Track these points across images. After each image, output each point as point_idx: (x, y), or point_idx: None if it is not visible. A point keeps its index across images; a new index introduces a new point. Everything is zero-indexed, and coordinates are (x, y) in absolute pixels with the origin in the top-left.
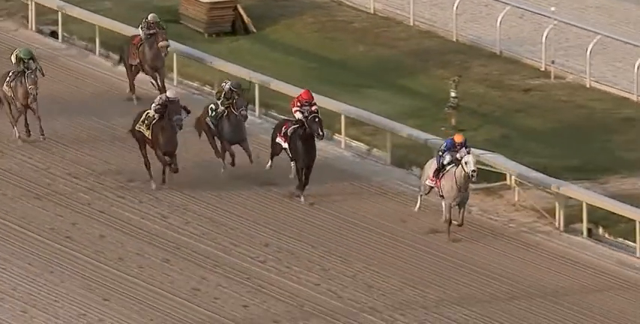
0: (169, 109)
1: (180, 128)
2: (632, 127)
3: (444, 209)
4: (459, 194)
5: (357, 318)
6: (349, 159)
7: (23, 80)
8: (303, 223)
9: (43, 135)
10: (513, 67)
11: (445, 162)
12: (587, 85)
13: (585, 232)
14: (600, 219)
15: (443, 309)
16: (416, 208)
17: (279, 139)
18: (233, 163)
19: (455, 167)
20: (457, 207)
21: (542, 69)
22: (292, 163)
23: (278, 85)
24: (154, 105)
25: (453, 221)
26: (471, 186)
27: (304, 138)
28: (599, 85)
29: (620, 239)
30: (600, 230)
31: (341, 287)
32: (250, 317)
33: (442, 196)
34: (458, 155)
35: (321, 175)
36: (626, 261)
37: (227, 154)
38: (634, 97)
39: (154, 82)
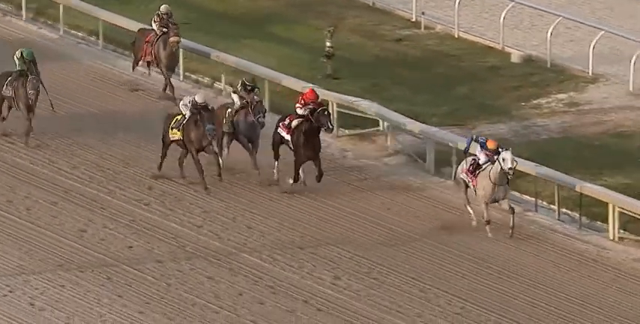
0: (203, 116)
1: (213, 138)
2: (498, 76)
3: (483, 209)
4: (494, 191)
5: (237, 258)
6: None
7: (25, 83)
8: (185, 167)
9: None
10: (386, 18)
11: (481, 162)
12: (456, 36)
13: (454, 175)
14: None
15: (319, 249)
16: (473, 223)
17: (280, 130)
18: (255, 165)
19: (490, 165)
20: (497, 203)
21: (413, 20)
22: (277, 163)
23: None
24: (183, 105)
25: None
26: (345, 132)
27: (309, 131)
28: (466, 35)
29: None
30: None
31: (222, 229)
32: (135, 258)
33: (476, 195)
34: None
35: None
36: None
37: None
38: (499, 47)
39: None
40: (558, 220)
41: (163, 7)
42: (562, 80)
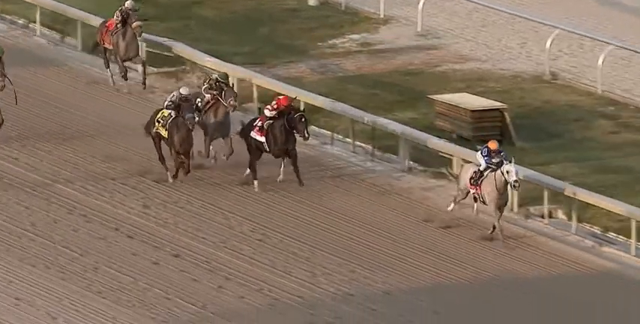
0: (182, 107)
1: (193, 127)
2: (296, 18)
3: (494, 215)
4: (500, 197)
5: (53, 189)
6: (45, 45)
7: None
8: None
9: None
10: None
11: (482, 168)
12: None
13: (257, 111)
14: (269, 99)
15: (129, 180)
16: (449, 208)
17: (253, 134)
18: (215, 159)
19: (493, 172)
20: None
21: None
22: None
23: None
24: (166, 102)
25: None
26: (153, 69)
27: (284, 131)
28: None
29: None
30: None
31: (37, 161)
32: None
33: (484, 202)
34: (494, 160)
35: (24, 59)
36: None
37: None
38: None
39: (123, 71)
40: (353, 152)
41: (128, 3)
42: (356, 22)
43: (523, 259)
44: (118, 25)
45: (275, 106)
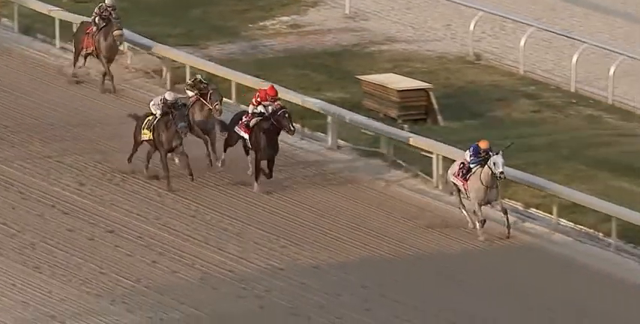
0: (176, 114)
1: (185, 135)
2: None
3: (476, 211)
4: (486, 194)
5: None
6: None
7: None
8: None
9: None
10: None
11: (472, 165)
12: None
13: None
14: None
15: (65, 158)
16: (469, 221)
17: (237, 129)
18: (213, 149)
19: (480, 168)
20: (490, 205)
21: None
22: (249, 158)
23: None
24: (153, 105)
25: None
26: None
27: (269, 131)
28: None
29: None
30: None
31: None
32: None
33: (469, 198)
34: (482, 156)
35: None
36: None
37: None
38: None
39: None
40: None
41: (108, 0)
42: (285, 4)
43: (449, 235)
44: (97, 19)
45: (258, 100)
